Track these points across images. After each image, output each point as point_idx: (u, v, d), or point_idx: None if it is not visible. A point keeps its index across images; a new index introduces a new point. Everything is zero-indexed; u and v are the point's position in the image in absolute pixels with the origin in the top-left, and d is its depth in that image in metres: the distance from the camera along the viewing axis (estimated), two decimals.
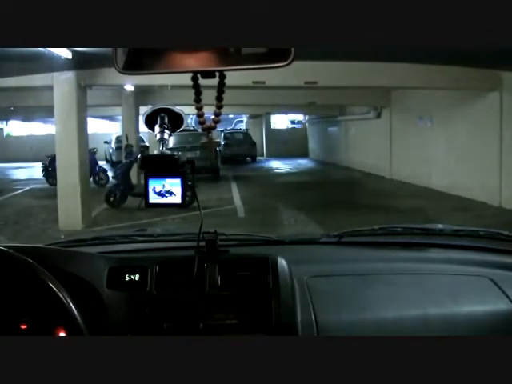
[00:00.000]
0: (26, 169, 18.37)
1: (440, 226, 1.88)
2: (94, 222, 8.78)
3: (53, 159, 10.58)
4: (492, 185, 9.83)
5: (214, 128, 1.10)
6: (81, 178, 8.52)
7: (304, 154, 24.93)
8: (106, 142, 20.18)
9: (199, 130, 15.50)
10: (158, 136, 1.20)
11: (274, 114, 25.43)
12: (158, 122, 1.22)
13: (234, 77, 0.92)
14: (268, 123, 27.19)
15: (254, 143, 22.89)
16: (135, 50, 0.87)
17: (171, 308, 1.25)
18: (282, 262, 1.34)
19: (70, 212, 8.30)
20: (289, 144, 25.54)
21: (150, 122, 1.23)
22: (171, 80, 7.14)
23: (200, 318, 1.23)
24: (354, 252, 1.67)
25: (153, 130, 1.23)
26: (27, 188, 13.53)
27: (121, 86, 11.82)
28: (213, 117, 1.04)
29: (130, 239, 1.78)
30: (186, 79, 0.95)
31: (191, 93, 0.99)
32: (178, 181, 1.17)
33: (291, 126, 29.25)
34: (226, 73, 0.91)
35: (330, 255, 1.65)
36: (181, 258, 1.35)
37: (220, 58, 0.85)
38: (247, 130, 24.91)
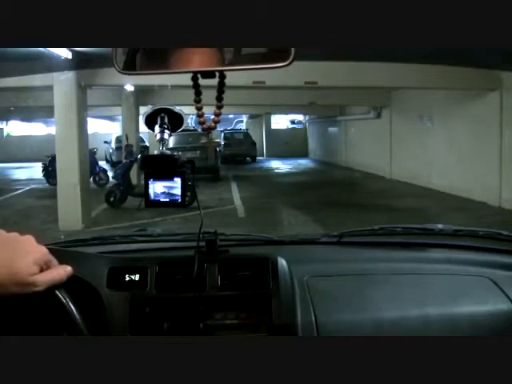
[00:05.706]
0: (26, 169, 18.37)
1: (440, 226, 1.87)
2: (94, 221, 8.78)
3: (53, 159, 10.59)
4: (492, 185, 9.83)
5: (214, 128, 1.10)
6: (81, 178, 8.53)
7: (304, 154, 24.95)
8: (106, 142, 20.19)
9: (199, 130, 15.52)
10: (158, 136, 1.20)
11: (274, 114, 25.45)
12: (158, 122, 1.22)
13: (233, 77, 0.92)
14: (268, 123, 27.18)
15: (254, 143, 22.89)
16: (135, 50, 0.87)
17: (171, 308, 1.25)
18: (282, 262, 1.34)
19: (70, 212, 8.30)
20: (289, 144, 25.54)
21: (150, 122, 1.23)
22: (171, 80, 7.14)
23: (200, 317, 1.23)
24: (354, 252, 1.67)
25: (153, 130, 1.23)
26: (27, 188, 13.53)
27: (121, 86, 11.84)
28: (213, 117, 1.04)
29: (130, 239, 1.77)
30: (186, 79, 0.95)
31: (191, 93, 0.99)
32: (177, 181, 1.17)
33: (291, 126, 29.23)
34: (226, 73, 0.91)
35: (330, 255, 1.65)
36: (181, 258, 1.35)
37: (220, 58, 0.85)
38: (247, 130, 24.91)
